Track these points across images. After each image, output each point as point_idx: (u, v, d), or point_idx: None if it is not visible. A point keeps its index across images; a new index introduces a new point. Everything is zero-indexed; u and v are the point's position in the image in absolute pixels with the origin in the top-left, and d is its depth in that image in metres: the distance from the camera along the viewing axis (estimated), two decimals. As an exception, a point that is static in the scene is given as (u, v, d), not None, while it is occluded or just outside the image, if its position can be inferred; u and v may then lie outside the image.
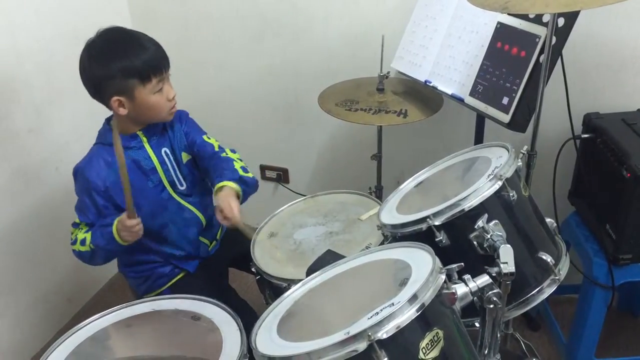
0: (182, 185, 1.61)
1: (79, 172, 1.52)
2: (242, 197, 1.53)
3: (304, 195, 1.82)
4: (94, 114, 1.57)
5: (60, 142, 2.07)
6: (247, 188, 1.56)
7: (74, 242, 1.54)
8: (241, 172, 1.56)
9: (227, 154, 1.62)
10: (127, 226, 1.43)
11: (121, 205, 1.48)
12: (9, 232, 1.92)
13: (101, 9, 2.17)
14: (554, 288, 1.20)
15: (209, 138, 1.65)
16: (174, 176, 1.59)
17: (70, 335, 1.17)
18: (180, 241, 1.63)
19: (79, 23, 2.05)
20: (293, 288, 1.18)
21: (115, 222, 1.46)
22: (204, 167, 1.63)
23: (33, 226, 2.01)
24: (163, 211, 1.58)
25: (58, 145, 2.06)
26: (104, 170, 1.49)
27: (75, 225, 1.55)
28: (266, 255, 1.56)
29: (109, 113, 1.56)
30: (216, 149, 1.63)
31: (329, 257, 1.26)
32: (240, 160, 1.63)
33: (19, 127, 1.91)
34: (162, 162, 1.57)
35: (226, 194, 1.48)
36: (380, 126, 1.99)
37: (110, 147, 1.46)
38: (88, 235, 1.51)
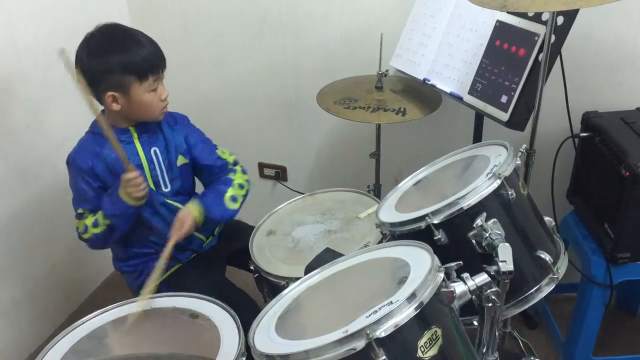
0: (166, 187, 1.60)
1: (71, 160, 1.52)
2: (201, 226, 1.57)
3: (303, 193, 1.82)
4: (92, 111, 1.56)
5: (58, 138, 2.06)
6: (212, 222, 1.62)
7: (84, 231, 1.53)
8: (227, 203, 1.58)
9: (233, 176, 1.64)
10: (129, 179, 1.43)
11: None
12: (6, 228, 1.91)
13: (100, 5, 2.16)
14: (552, 287, 1.21)
15: (223, 152, 1.68)
16: (159, 177, 1.58)
17: (68, 333, 1.17)
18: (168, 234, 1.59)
19: (77, 20, 2.04)
20: (291, 286, 1.18)
21: (120, 186, 1.46)
22: (206, 179, 1.68)
23: (30, 223, 2.00)
24: (148, 206, 1.56)
25: (56, 141, 2.05)
26: (94, 158, 1.50)
27: (79, 216, 1.55)
28: (264, 253, 1.56)
29: (108, 109, 1.56)
30: (230, 165, 1.67)
31: (328, 255, 1.26)
32: (241, 187, 1.63)
33: (16, 123, 1.91)
34: (150, 161, 1.56)
35: (187, 214, 1.53)
36: (379, 124, 1.99)
37: (99, 136, 1.49)
38: (99, 215, 1.50)
